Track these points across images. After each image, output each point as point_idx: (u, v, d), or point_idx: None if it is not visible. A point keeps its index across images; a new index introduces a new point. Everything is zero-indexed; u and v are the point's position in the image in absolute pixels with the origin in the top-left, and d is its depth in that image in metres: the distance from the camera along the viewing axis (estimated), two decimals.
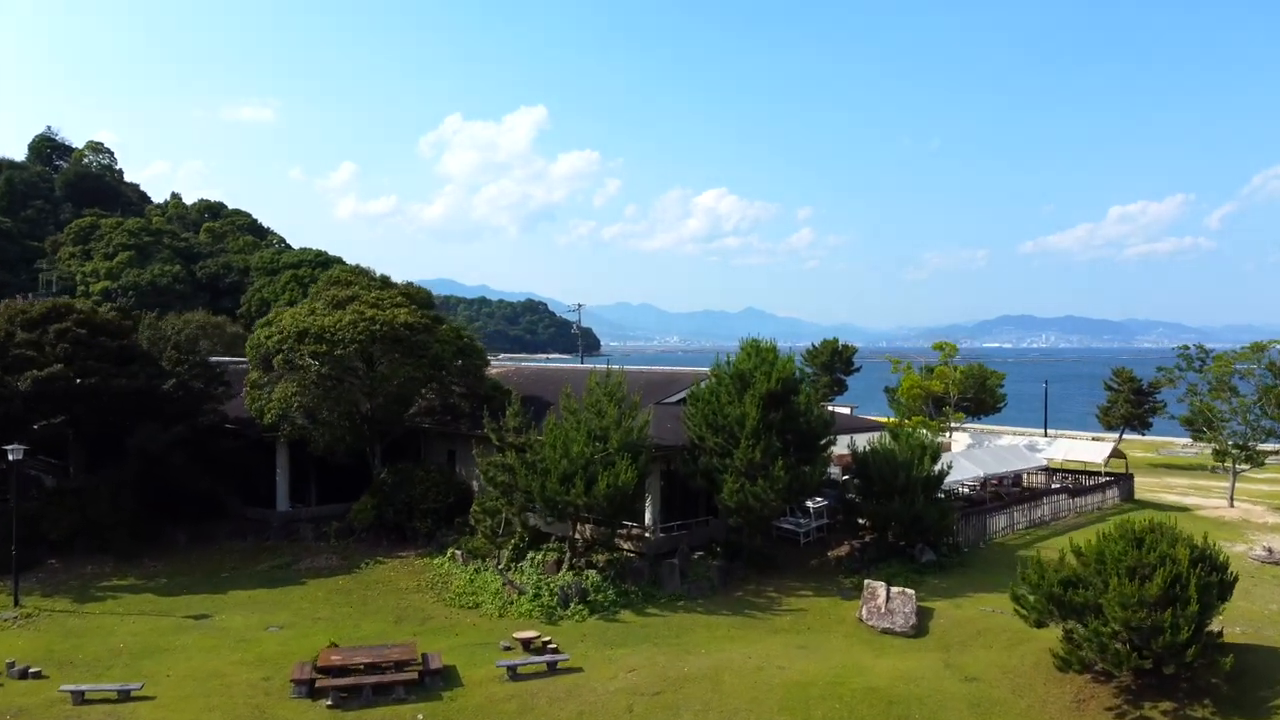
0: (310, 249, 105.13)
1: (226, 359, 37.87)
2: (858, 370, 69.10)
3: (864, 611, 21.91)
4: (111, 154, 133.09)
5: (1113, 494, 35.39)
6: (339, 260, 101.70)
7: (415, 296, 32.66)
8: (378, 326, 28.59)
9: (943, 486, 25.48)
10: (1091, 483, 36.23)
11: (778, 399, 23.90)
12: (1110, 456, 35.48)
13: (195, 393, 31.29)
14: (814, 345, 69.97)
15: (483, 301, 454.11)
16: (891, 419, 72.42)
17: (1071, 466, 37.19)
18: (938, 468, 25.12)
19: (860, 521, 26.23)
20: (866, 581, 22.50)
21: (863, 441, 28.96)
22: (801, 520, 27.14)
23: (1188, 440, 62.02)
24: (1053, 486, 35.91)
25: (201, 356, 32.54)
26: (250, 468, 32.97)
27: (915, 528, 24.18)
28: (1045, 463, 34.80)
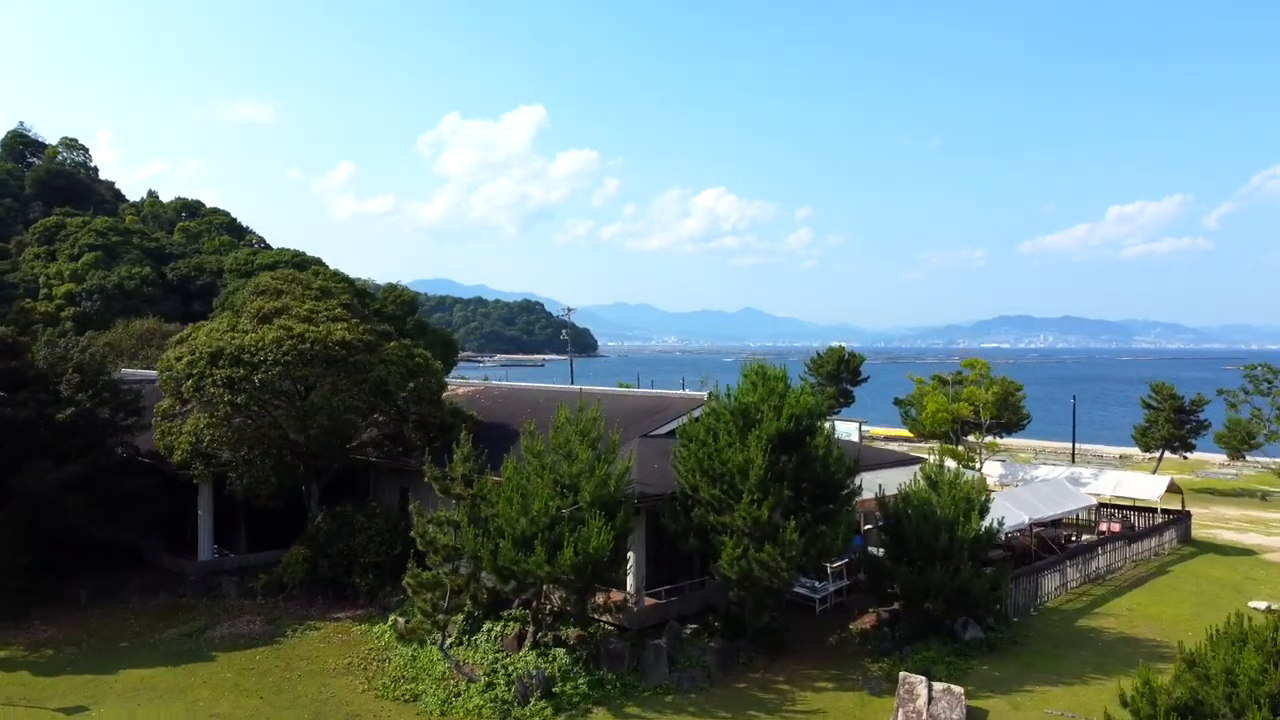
0: (288, 249, 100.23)
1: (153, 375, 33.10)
2: (865, 380, 64.38)
3: (900, 716, 17.18)
4: (86, 150, 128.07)
5: (1170, 536, 30.73)
6: (318, 261, 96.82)
7: (359, 308, 27.89)
8: (307, 345, 23.80)
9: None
10: (1144, 522, 31.59)
11: (790, 441, 19.16)
12: (1167, 491, 30.80)
13: (100, 423, 26.53)
14: (818, 353, 65.23)
15: (479, 301, 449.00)
16: (899, 430, 67.99)
17: (1121, 501, 32.49)
18: (986, 523, 20.41)
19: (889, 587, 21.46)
20: (902, 675, 17.74)
21: (892, 480, 24.21)
22: (817, 584, 22.42)
23: (1223, 458, 57.50)
24: (1103, 528, 31.24)
25: (110, 379, 27.73)
26: (169, 509, 28.23)
27: (960, 602, 19.47)
28: (1094, 500, 30.08)
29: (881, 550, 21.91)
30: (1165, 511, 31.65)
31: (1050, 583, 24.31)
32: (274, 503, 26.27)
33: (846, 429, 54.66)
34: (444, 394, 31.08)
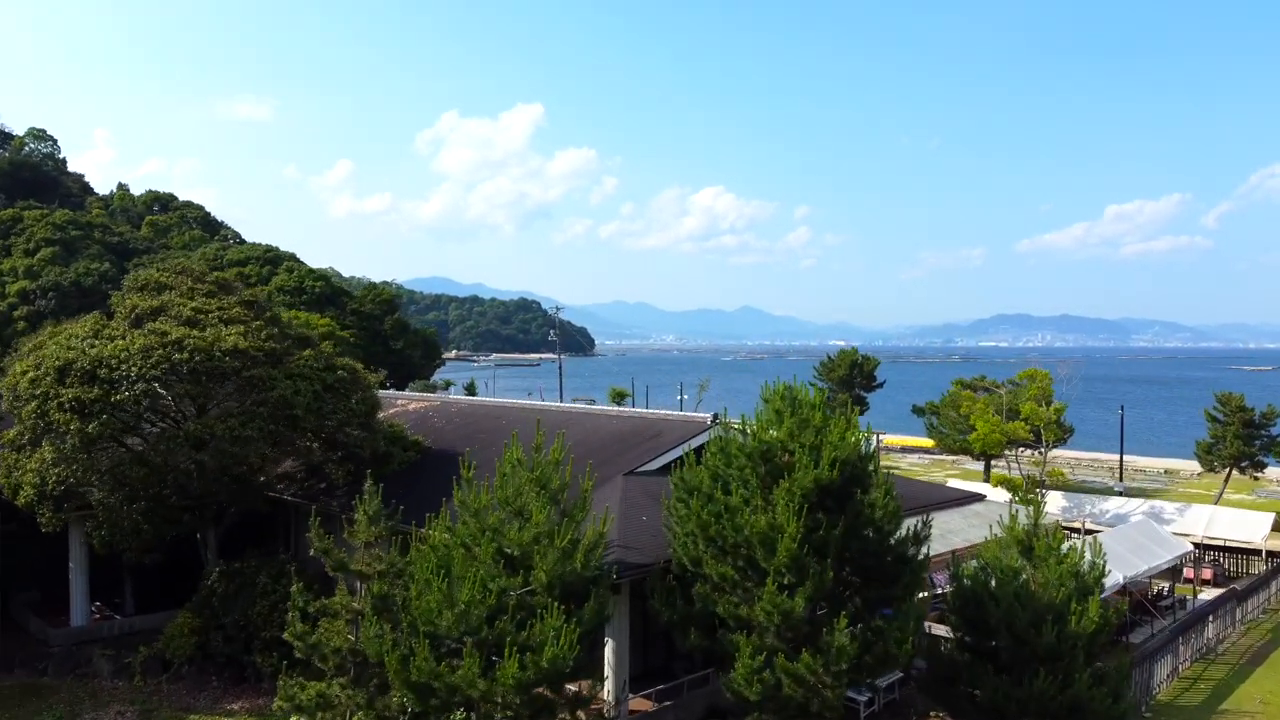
0: (259, 244, 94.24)
1: None
2: (881, 386, 58.65)
3: None
4: (55, 141, 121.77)
5: (1278, 587, 25.07)
6: (291, 257, 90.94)
7: (266, 307, 22.00)
8: (185, 355, 17.98)
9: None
10: (1236, 565, 25.92)
11: (833, 496, 13.42)
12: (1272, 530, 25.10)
13: None
14: (828, 356, 59.45)
15: (475, 300, 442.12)
16: (917, 438, 62.12)
17: (1215, 542, 26.78)
18: (1101, 596, 14.63)
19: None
20: None
21: (947, 526, 18.51)
22: (863, 688, 16.64)
23: None
24: (1189, 574, 25.53)
25: None
26: (39, 559, 22.53)
27: None
28: (1188, 546, 24.33)
29: (949, 631, 16.17)
30: (1270, 555, 25.93)
31: (1162, 669, 18.58)
32: (151, 556, 20.49)
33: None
34: (391, 412, 25.31)
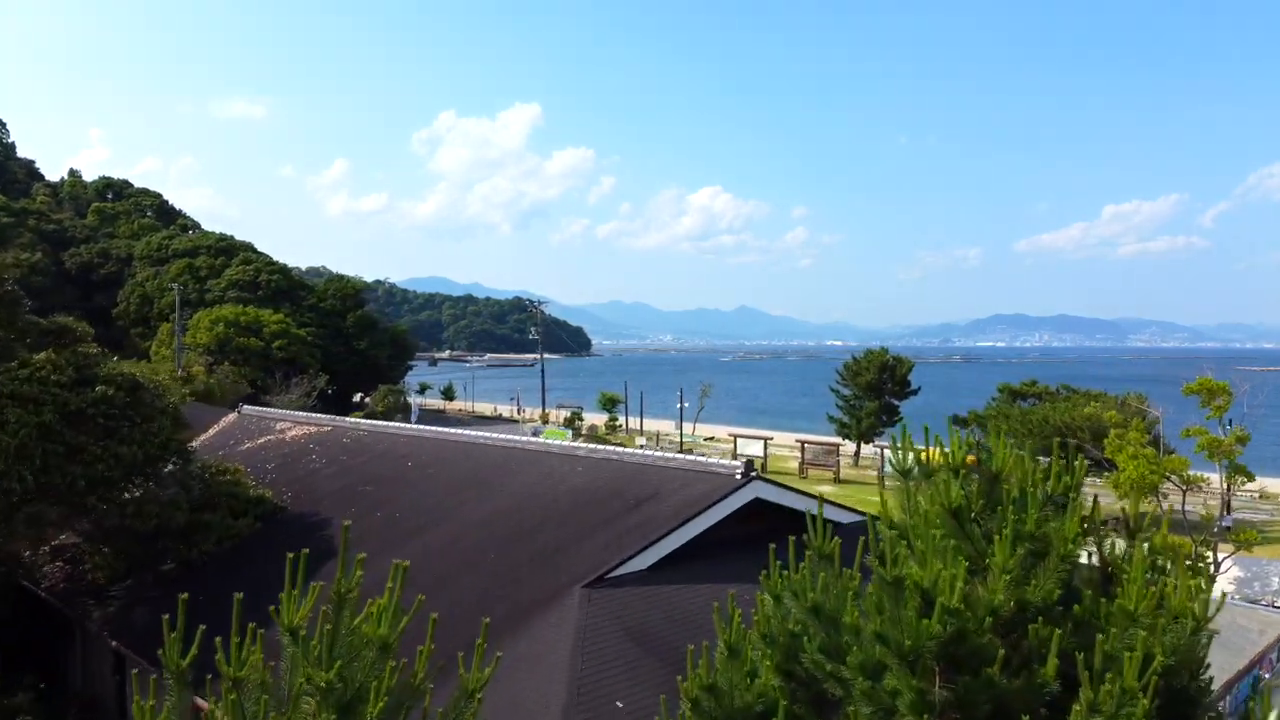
0: (213, 232, 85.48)
1: None
2: (915, 393, 50.04)
3: None
4: (3, 125, 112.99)
5: None
6: (248, 246, 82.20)
7: None
8: None
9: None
10: None
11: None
12: None
13: None
14: (854, 357, 50.79)
15: (469, 300, 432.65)
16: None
17: None
18: None
19: None
20: None
21: None
22: None
23: None
24: None
25: None
26: None
27: None
28: None
29: None
30: None
31: None
32: None
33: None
34: (259, 442, 16.69)
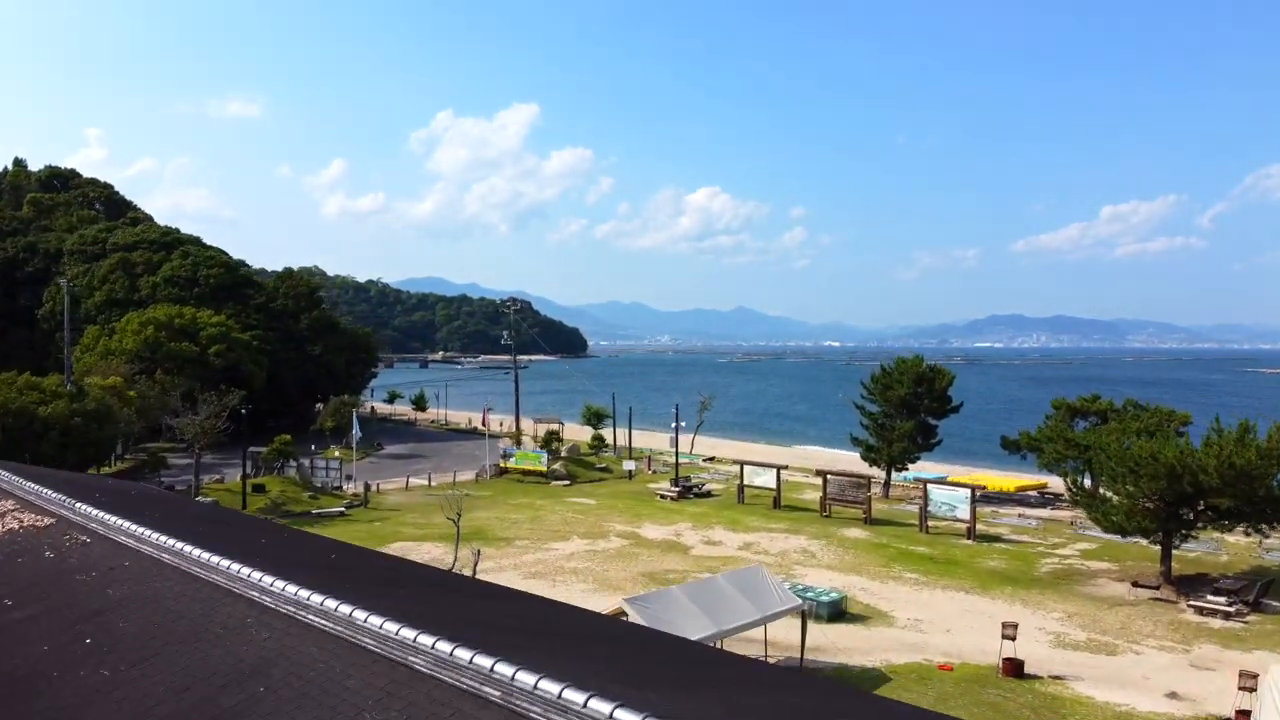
0: (157, 225, 77.64)
1: None
2: (957, 410, 42.30)
3: None
4: None
5: None
6: (195, 240, 74.21)
7: None
8: None
9: None
10: None
11: None
12: None
13: None
14: (884, 367, 43.00)
15: (464, 300, 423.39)
16: (1002, 475, 45.75)
17: None
18: None
19: None
20: None
21: None
22: None
23: None
24: None
25: None
26: None
27: None
28: None
29: None
30: None
31: None
32: None
33: (948, 497, 31.23)
34: None
